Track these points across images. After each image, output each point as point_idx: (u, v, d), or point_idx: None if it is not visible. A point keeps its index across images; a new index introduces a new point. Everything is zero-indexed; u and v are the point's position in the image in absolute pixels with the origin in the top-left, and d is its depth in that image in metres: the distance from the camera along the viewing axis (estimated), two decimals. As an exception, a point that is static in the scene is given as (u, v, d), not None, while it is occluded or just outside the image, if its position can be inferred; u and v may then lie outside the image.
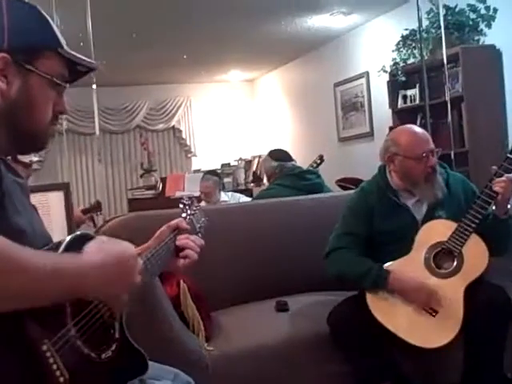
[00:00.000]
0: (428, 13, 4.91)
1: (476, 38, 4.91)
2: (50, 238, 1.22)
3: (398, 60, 5.42)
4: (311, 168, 4.22)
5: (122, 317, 1.25)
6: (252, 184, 7.62)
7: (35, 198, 1.65)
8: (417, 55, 5.21)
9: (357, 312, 2.43)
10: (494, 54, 4.85)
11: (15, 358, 0.94)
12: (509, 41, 4.75)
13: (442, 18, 4.43)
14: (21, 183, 1.19)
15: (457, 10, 4.87)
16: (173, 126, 9.17)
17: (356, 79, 6.86)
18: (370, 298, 2.44)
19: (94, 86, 3.95)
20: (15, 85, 1.17)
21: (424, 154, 2.54)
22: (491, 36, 4.86)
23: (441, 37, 4.61)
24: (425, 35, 4.84)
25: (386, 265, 2.49)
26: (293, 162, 4.04)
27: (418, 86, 5.29)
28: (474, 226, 2.38)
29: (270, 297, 2.84)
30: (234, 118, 9.35)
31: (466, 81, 4.74)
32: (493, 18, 4.78)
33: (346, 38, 6.93)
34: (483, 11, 4.81)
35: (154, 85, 8.78)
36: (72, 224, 2.56)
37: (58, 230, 2.40)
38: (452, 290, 2.37)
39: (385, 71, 5.58)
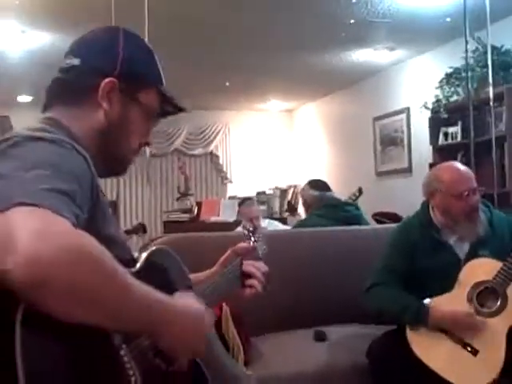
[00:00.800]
0: (473, 52, 4.92)
1: (521, 78, 4.91)
2: (131, 250, 1.27)
3: (440, 97, 5.43)
4: (351, 200, 4.22)
5: None
6: (287, 213, 7.63)
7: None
8: (460, 93, 5.22)
9: (396, 347, 2.42)
10: (538, 96, 4.84)
11: (98, 359, 0.98)
12: (554, 83, 4.74)
13: (489, 58, 4.44)
14: (106, 200, 1.23)
15: (503, 50, 4.89)
16: (210, 152, 9.27)
17: (396, 114, 6.88)
18: (410, 334, 2.43)
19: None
20: (117, 109, 1.25)
21: (466, 193, 2.54)
22: (537, 77, 4.85)
23: (485, 76, 4.61)
24: (469, 74, 4.84)
25: (427, 301, 2.48)
26: (332, 193, 4.06)
27: (460, 123, 5.29)
28: (519, 265, 2.36)
29: (307, 326, 2.85)
30: (271, 147, 9.42)
31: (510, 120, 4.72)
32: (538, 60, 4.78)
33: (388, 72, 6.97)
34: (529, 52, 4.82)
35: (194, 110, 8.90)
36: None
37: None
38: (495, 330, 2.35)
39: (426, 108, 5.60)
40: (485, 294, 2.42)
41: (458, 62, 4.99)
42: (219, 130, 9.26)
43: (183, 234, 3.06)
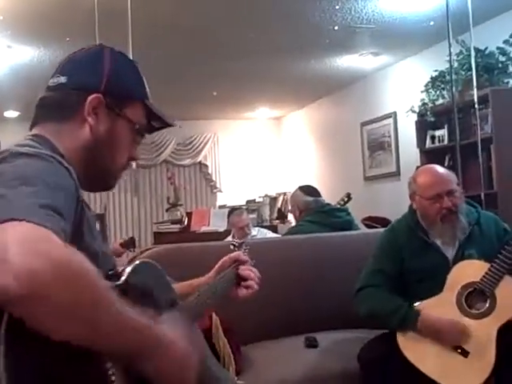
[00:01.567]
0: (457, 55, 4.96)
1: (505, 80, 4.95)
2: (115, 263, 1.26)
3: (426, 101, 5.46)
4: (339, 205, 4.23)
5: None
6: (277, 221, 7.63)
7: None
8: (446, 96, 5.26)
9: (387, 351, 2.42)
10: (523, 97, 4.88)
11: (84, 372, 0.96)
12: (538, 84, 4.78)
13: (473, 60, 4.47)
14: (92, 214, 1.23)
15: (486, 52, 4.92)
16: (199, 162, 9.27)
17: (383, 119, 6.91)
18: (400, 337, 2.43)
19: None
20: (103, 125, 1.26)
21: (436, 195, 2.55)
22: (521, 79, 4.89)
23: (470, 78, 4.64)
24: (454, 77, 4.88)
25: (417, 304, 2.48)
26: (323, 199, 4.06)
27: (446, 126, 5.32)
28: (507, 266, 2.36)
29: (299, 332, 2.85)
30: (260, 155, 9.43)
31: (496, 122, 4.76)
32: (522, 62, 4.82)
33: (374, 78, 7.01)
34: (513, 54, 4.86)
35: (182, 120, 8.90)
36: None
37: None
38: (484, 331, 2.35)
39: (413, 111, 5.62)
40: (473, 296, 2.43)
41: (443, 66, 5.02)
42: (208, 140, 9.27)
43: (172, 244, 3.05)
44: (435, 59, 5.35)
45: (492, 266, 2.39)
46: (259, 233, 5.18)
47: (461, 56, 4.96)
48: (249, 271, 1.67)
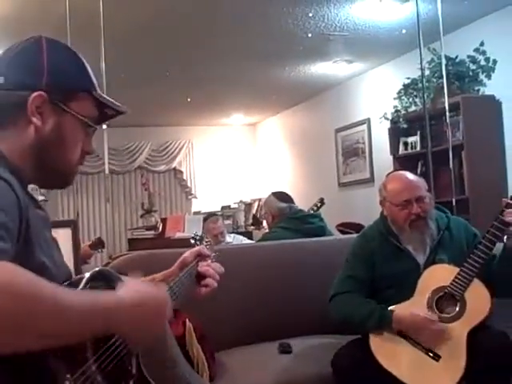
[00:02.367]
0: (429, 62, 5.02)
1: (476, 88, 5.03)
2: (70, 273, 1.24)
3: (399, 108, 5.52)
4: (312, 211, 4.25)
5: (138, 353, 1.27)
6: (252, 227, 7.64)
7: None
8: (418, 103, 5.32)
9: (360, 355, 2.44)
10: (493, 104, 4.96)
11: None
12: (508, 92, 4.85)
13: (444, 68, 4.54)
14: (43, 216, 1.20)
15: (457, 60, 4.99)
16: (174, 168, 9.25)
17: (357, 125, 6.96)
18: (373, 342, 2.46)
19: (105, 127, 4.01)
20: (49, 123, 1.20)
21: (405, 201, 2.58)
22: (491, 87, 4.97)
23: (441, 86, 4.70)
24: (426, 84, 4.94)
25: (389, 308, 2.51)
26: (296, 205, 4.08)
27: (419, 133, 5.39)
28: (476, 270, 2.40)
29: (273, 338, 2.86)
30: (235, 161, 9.44)
31: (467, 129, 4.83)
32: (492, 70, 4.90)
33: (347, 85, 7.06)
34: (483, 62, 4.94)
35: (156, 126, 8.89)
36: (78, 260, 2.60)
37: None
38: (455, 335, 2.38)
39: (386, 118, 5.68)
40: (444, 300, 2.46)
41: (415, 73, 5.09)
42: (182, 146, 9.25)
43: (146, 251, 3.03)
44: (407, 67, 5.41)
45: (461, 270, 2.43)
46: (235, 239, 5.18)
47: (432, 64, 5.03)
48: (207, 267, 1.62)
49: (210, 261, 1.69)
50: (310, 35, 5.26)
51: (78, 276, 1.17)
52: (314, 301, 2.85)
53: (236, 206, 8.26)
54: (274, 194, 4.12)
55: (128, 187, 9.01)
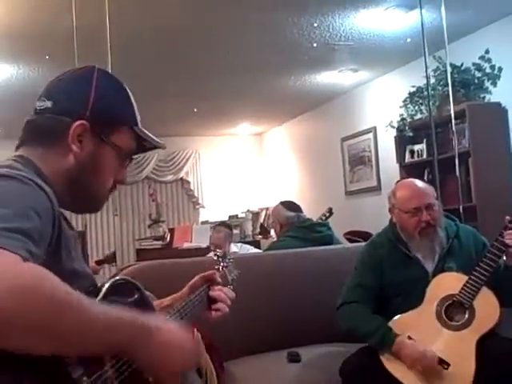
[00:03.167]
0: (434, 71, 5.04)
1: (482, 95, 5.03)
2: (94, 280, 1.27)
3: (405, 116, 5.53)
4: (320, 221, 4.26)
5: None
6: (259, 236, 7.65)
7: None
8: (424, 111, 5.33)
9: (369, 364, 2.44)
10: (499, 112, 4.96)
11: None
12: (514, 99, 4.86)
13: (449, 76, 4.55)
14: (73, 234, 1.23)
15: (462, 68, 5.00)
16: (181, 178, 9.27)
17: (363, 134, 6.97)
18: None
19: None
20: (87, 150, 1.25)
21: (415, 209, 2.59)
22: (496, 94, 4.97)
23: (447, 94, 4.71)
24: (431, 92, 4.95)
25: (397, 317, 2.51)
26: (304, 214, 4.09)
27: (425, 141, 5.39)
28: (484, 278, 2.40)
29: (281, 347, 2.85)
30: (242, 171, 9.46)
31: (473, 137, 4.83)
32: (498, 77, 4.91)
33: (353, 93, 7.08)
34: (488, 70, 4.94)
35: (163, 137, 8.82)
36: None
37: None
38: (464, 343, 2.38)
39: (392, 126, 5.69)
40: (453, 308, 2.46)
41: (421, 81, 5.09)
42: (189, 156, 9.28)
43: (154, 261, 3.05)
44: (413, 75, 5.43)
45: (470, 278, 2.43)
46: (241, 249, 5.20)
47: (438, 72, 5.04)
48: (219, 292, 1.63)
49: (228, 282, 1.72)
50: (315, 45, 5.29)
51: (100, 284, 1.21)
52: (322, 309, 2.85)
53: (243, 215, 8.27)
54: (282, 202, 4.13)
55: (136, 198, 9.03)
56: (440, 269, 2.58)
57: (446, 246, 2.61)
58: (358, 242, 4.40)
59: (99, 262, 3.88)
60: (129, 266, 2.85)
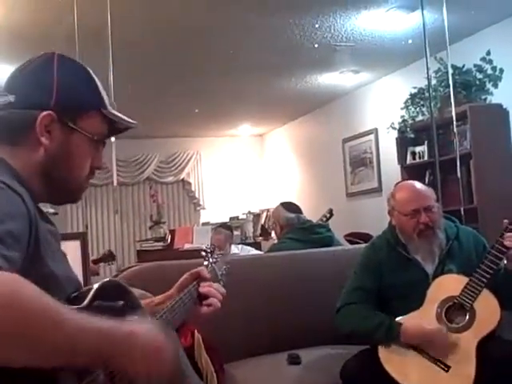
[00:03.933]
0: (436, 72, 5.03)
1: (483, 97, 5.02)
2: (80, 283, 1.25)
3: (406, 117, 5.52)
4: (321, 222, 4.25)
5: None
6: (260, 237, 7.64)
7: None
8: (425, 113, 5.32)
9: (369, 366, 2.43)
10: (501, 113, 4.96)
11: None
12: (516, 101, 4.86)
13: (450, 78, 4.54)
14: (53, 230, 1.21)
15: (464, 69, 4.99)
16: (182, 179, 9.27)
17: (365, 135, 6.97)
18: (382, 353, 2.44)
19: (113, 139, 4.03)
20: (57, 140, 1.22)
21: (414, 211, 2.58)
22: (498, 95, 4.97)
23: (448, 95, 4.71)
24: (433, 93, 4.95)
25: (398, 319, 2.50)
26: (304, 215, 4.08)
27: (426, 142, 5.38)
28: (485, 280, 2.39)
29: (282, 349, 2.84)
30: (243, 172, 9.46)
31: (474, 138, 4.82)
32: (499, 78, 4.90)
33: (354, 95, 7.07)
34: (490, 71, 4.93)
35: (164, 138, 8.93)
36: (88, 273, 2.60)
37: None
38: (464, 345, 2.37)
39: (393, 128, 5.68)
40: (453, 310, 2.45)
41: (422, 83, 5.09)
42: (190, 157, 9.28)
43: (154, 262, 3.04)
44: (414, 76, 5.42)
45: (471, 280, 2.42)
46: (242, 250, 5.19)
47: (439, 73, 5.04)
48: (208, 288, 1.61)
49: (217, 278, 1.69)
50: (316, 46, 5.29)
51: (87, 287, 1.18)
52: (322, 311, 2.83)
53: (244, 216, 8.26)
54: (283, 204, 4.13)
55: (136, 199, 9.04)
56: (440, 271, 2.57)
57: (445, 248, 2.61)
58: (359, 243, 4.39)
59: (96, 261, 3.86)
60: (129, 267, 2.84)
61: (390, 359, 2.42)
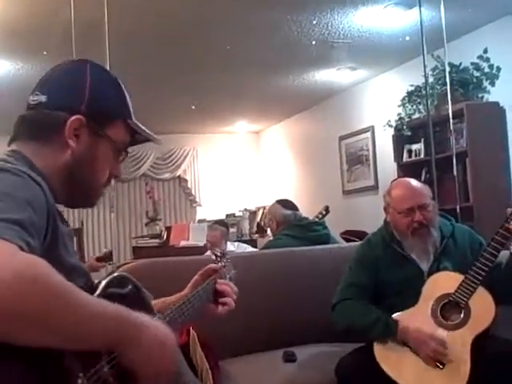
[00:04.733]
0: (433, 70, 5.03)
1: (480, 95, 5.03)
2: (90, 276, 1.27)
3: (403, 115, 5.53)
4: (317, 219, 4.25)
5: None
6: (256, 235, 7.64)
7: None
8: (422, 110, 5.32)
9: (365, 363, 2.42)
10: (497, 111, 4.96)
11: None
12: (512, 99, 4.86)
13: (447, 75, 4.54)
14: (68, 231, 1.24)
15: (461, 67, 5.00)
16: (178, 176, 9.26)
17: (361, 133, 6.97)
18: (377, 350, 2.44)
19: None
20: (84, 145, 1.26)
21: (408, 209, 2.58)
22: (495, 94, 4.97)
23: (445, 93, 4.71)
24: (430, 91, 4.95)
25: (393, 316, 2.50)
26: (300, 213, 4.08)
27: (422, 140, 5.39)
28: (480, 278, 2.39)
29: (277, 347, 2.84)
30: (240, 169, 9.45)
31: (471, 136, 4.83)
32: (496, 77, 4.90)
33: (351, 92, 7.07)
34: (487, 69, 4.94)
35: (160, 134, 8.83)
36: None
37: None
38: (459, 343, 2.37)
39: (390, 126, 5.68)
40: (448, 307, 2.45)
41: (419, 80, 5.09)
42: (187, 154, 9.27)
43: (150, 259, 3.04)
44: (411, 74, 5.42)
45: (466, 277, 2.42)
46: (238, 247, 5.19)
47: (436, 71, 5.04)
48: (226, 286, 1.64)
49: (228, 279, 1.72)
50: (313, 43, 5.28)
51: (96, 281, 1.21)
52: (318, 308, 2.83)
53: (240, 213, 8.26)
54: (279, 201, 4.13)
55: (132, 195, 9.03)
56: (435, 268, 2.57)
57: (440, 246, 2.60)
58: (355, 241, 4.39)
59: (100, 259, 3.87)
60: (125, 263, 2.84)
61: (385, 356, 2.42)
